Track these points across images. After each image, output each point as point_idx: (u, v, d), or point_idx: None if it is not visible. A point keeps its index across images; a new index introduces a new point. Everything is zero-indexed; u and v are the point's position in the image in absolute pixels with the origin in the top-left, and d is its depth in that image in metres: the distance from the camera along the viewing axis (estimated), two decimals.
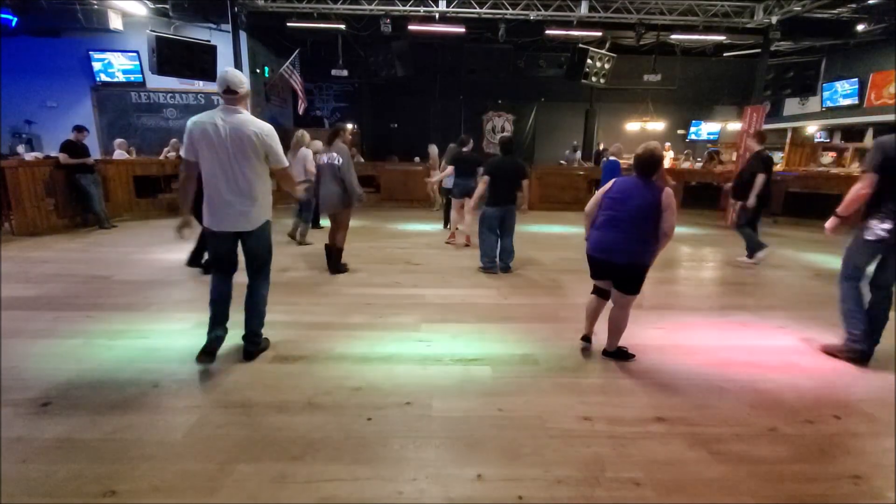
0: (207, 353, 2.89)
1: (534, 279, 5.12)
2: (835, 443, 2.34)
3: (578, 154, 13.39)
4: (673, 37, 10.36)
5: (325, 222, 6.13)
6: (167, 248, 5.93)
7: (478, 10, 8.58)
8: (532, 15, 8.67)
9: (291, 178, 3.31)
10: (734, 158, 10.08)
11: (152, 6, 9.49)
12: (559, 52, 12.09)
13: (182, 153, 2.81)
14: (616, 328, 3.11)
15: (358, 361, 3.09)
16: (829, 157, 11.24)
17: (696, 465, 2.14)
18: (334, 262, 5.08)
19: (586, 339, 3.30)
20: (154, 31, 8.03)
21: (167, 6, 9.31)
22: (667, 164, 10.87)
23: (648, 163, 2.82)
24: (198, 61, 8.24)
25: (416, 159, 12.04)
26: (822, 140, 13.12)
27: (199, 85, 10.50)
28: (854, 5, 9.03)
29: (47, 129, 10.68)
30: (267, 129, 2.84)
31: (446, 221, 7.73)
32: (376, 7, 8.45)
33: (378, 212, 9.79)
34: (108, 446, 2.17)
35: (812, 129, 13.44)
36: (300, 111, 11.44)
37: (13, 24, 8.90)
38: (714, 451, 2.23)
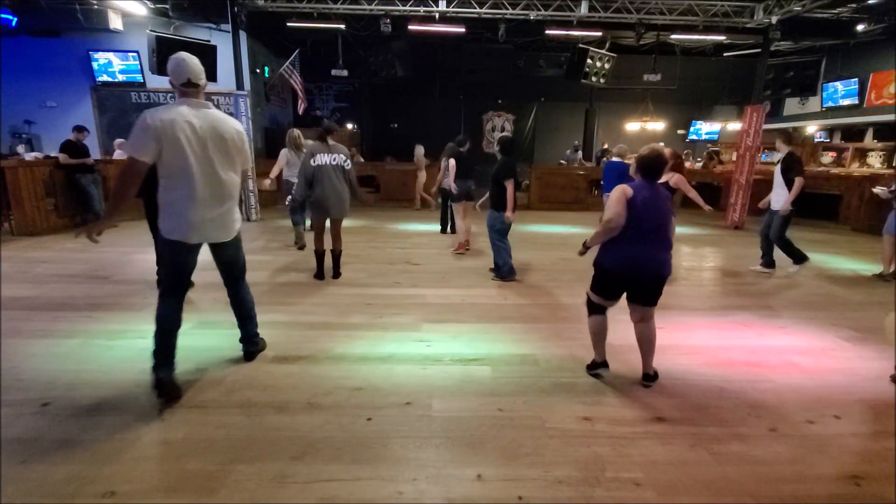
0: (170, 393, 2.53)
1: (534, 279, 5.11)
2: (835, 443, 2.33)
3: (580, 154, 13.38)
4: (673, 37, 10.35)
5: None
6: None
7: (478, 10, 8.57)
8: (532, 15, 8.66)
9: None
10: (734, 158, 10.08)
11: (152, 6, 9.48)
12: (559, 52, 12.10)
13: (131, 151, 2.29)
14: (651, 345, 2.81)
15: (358, 361, 3.09)
16: (829, 156, 11.25)
17: (696, 465, 2.14)
18: (338, 266, 4.96)
19: (601, 365, 2.92)
20: (154, 31, 8.02)
21: (167, 6, 9.31)
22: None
23: (655, 164, 2.64)
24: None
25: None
26: (822, 140, 13.13)
27: None
28: (854, 5, 9.02)
29: (47, 129, 10.68)
30: (241, 126, 2.66)
31: (443, 226, 7.64)
32: (376, 7, 8.45)
33: (378, 212, 9.79)
34: (108, 446, 2.17)
35: (812, 129, 13.45)
36: (300, 111, 11.43)
37: (13, 24, 8.88)
38: (714, 452, 2.23)
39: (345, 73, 10.97)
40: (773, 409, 2.61)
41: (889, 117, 10.36)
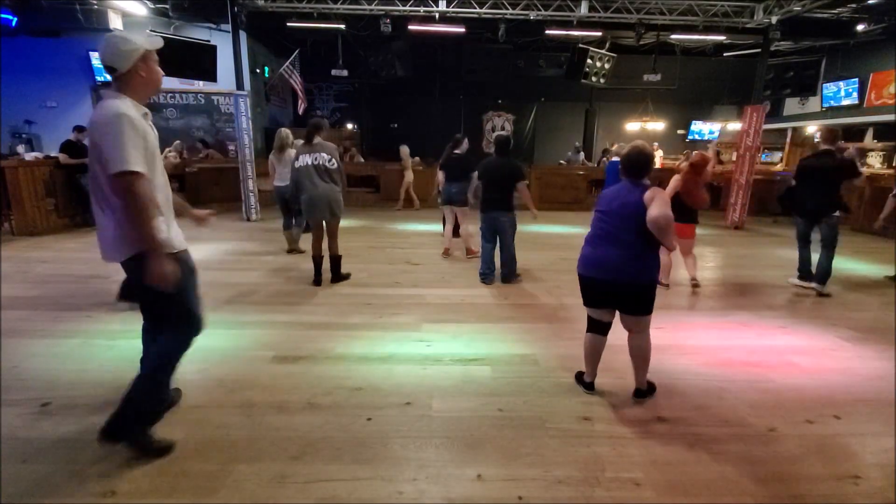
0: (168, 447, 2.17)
1: (534, 279, 5.11)
2: (835, 443, 2.34)
3: (581, 156, 13.29)
4: (673, 37, 10.36)
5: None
6: None
7: (478, 10, 8.57)
8: (532, 15, 8.66)
9: None
10: (734, 158, 10.07)
11: (152, 6, 9.49)
12: (559, 51, 12.09)
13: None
14: (643, 359, 2.62)
15: (358, 361, 3.09)
16: None
17: (696, 465, 2.14)
18: (338, 270, 4.82)
19: (588, 384, 2.75)
20: (154, 32, 8.03)
21: (167, 6, 9.31)
22: (657, 163, 10.62)
23: (637, 162, 2.49)
24: (198, 61, 8.23)
25: (416, 159, 12.04)
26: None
27: (199, 85, 10.50)
28: (854, 5, 9.03)
29: (47, 130, 10.68)
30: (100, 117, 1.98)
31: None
32: (376, 7, 8.45)
33: (378, 212, 9.79)
34: (108, 446, 2.16)
35: (812, 129, 13.44)
36: (300, 111, 11.44)
37: (13, 24, 8.89)
38: (714, 451, 2.23)
39: (345, 73, 10.98)
40: (773, 409, 2.61)
41: (889, 117, 10.36)
